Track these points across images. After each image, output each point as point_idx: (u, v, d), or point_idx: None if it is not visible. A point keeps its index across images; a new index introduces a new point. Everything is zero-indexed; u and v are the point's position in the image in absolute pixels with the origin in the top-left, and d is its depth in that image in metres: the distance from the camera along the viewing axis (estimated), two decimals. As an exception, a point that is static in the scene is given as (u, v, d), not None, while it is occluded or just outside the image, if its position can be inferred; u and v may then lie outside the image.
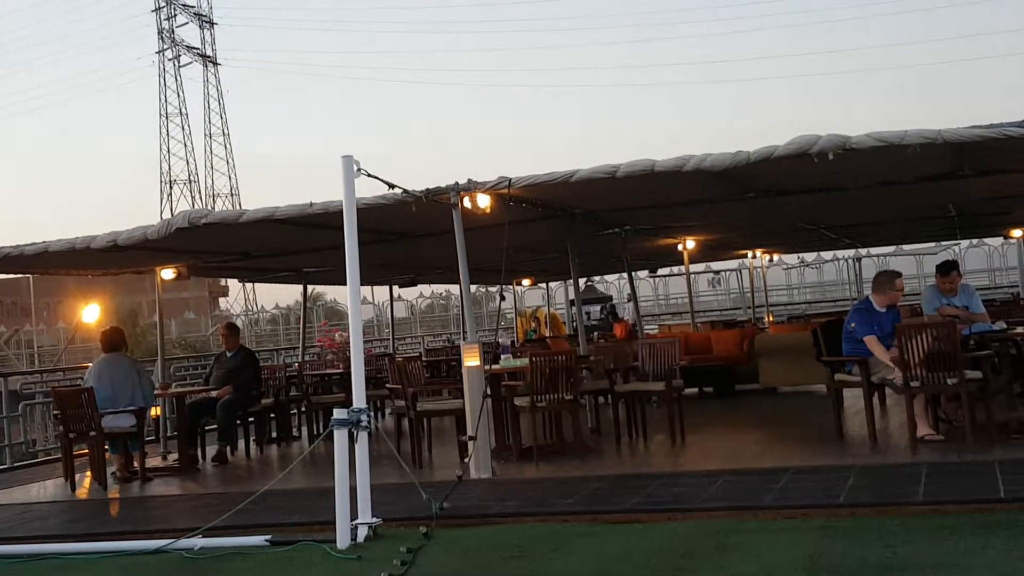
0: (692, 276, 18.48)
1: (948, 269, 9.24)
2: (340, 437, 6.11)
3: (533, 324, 23.00)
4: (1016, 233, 18.23)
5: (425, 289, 36.91)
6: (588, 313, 26.70)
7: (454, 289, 33.27)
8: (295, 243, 10.48)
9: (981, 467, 6.53)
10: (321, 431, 11.20)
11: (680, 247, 14.95)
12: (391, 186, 7.47)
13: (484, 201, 8.02)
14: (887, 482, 6.51)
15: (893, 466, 7.02)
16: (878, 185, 9.51)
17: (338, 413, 6.15)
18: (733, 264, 27.25)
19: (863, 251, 24.11)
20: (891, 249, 25.39)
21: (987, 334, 8.36)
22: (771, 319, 19.39)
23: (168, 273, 11.36)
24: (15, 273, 15.31)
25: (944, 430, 8.06)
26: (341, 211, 6.52)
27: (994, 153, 7.59)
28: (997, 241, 27.37)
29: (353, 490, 6.11)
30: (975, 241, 25.90)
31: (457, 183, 7.96)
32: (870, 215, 13.74)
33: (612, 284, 30.49)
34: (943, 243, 25.06)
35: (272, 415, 11.92)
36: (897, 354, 7.70)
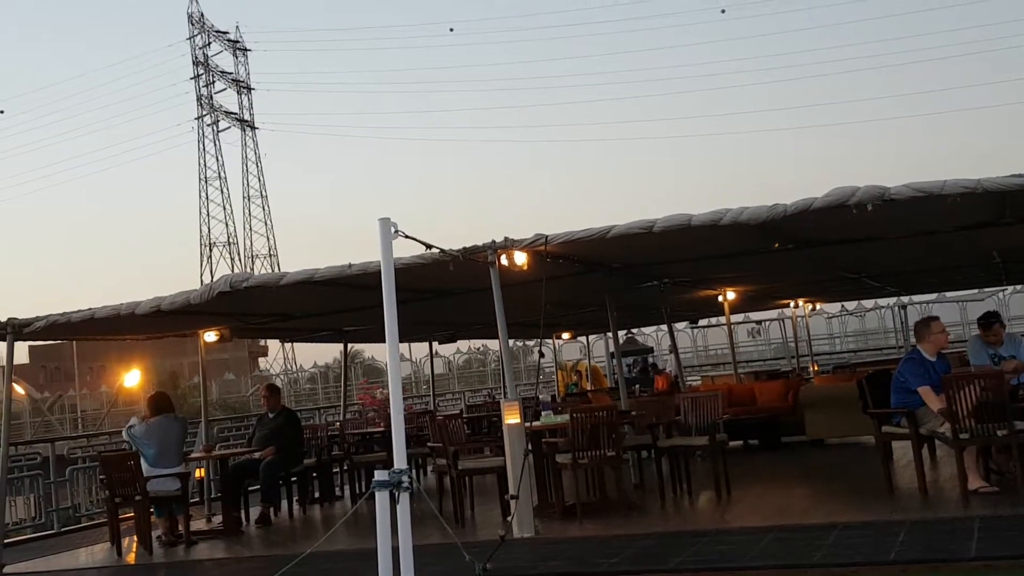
0: (733, 327, 18.31)
1: (989, 323, 9.09)
2: (382, 498, 6.09)
3: (575, 377, 22.92)
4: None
5: (463, 344, 36.92)
6: (628, 366, 26.59)
7: (491, 344, 33.24)
8: (334, 303, 10.55)
9: (1035, 520, 6.38)
10: (364, 490, 11.18)
11: (720, 298, 14.86)
12: (428, 246, 7.51)
13: (521, 258, 8.04)
14: (938, 537, 6.36)
15: (944, 520, 6.86)
16: (919, 234, 9.42)
17: (379, 475, 6.13)
18: (773, 314, 27.04)
19: (905, 299, 23.83)
20: (933, 296, 25.08)
21: (1036, 384, 8.20)
22: (816, 369, 19.16)
23: (211, 336, 11.47)
24: (61, 340, 15.54)
25: (996, 482, 7.88)
26: (379, 272, 6.58)
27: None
28: (1043, 287, 26.95)
29: (396, 551, 6.07)
30: (1019, 287, 25.48)
31: (494, 241, 8.00)
32: (912, 263, 13.59)
33: (651, 336, 30.32)
34: (986, 289, 24.71)
35: (315, 475, 11.93)
36: (945, 405, 7.57)
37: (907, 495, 8.06)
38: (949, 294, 25.16)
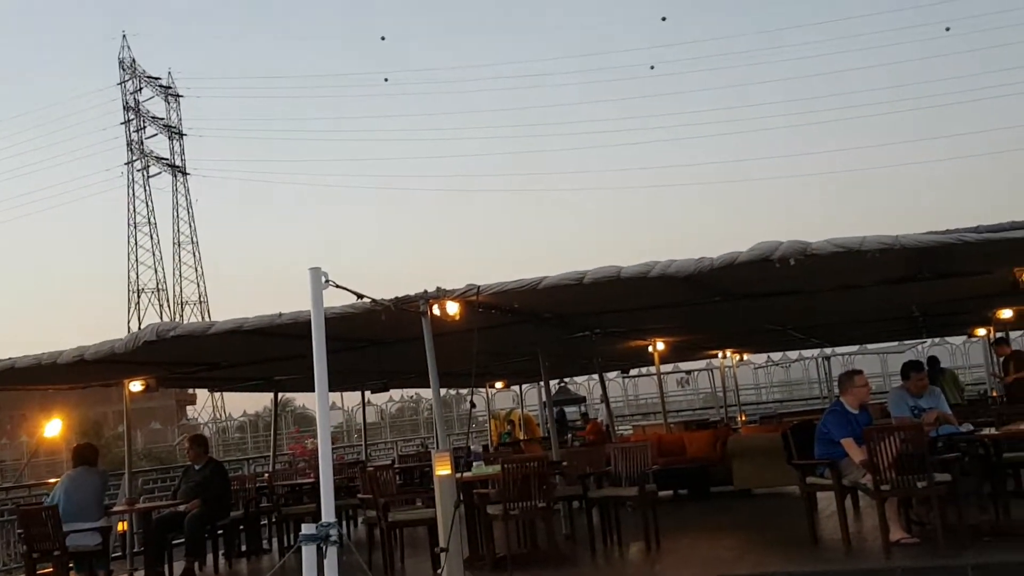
0: (663, 376, 18.52)
1: (920, 367, 9.31)
2: (308, 552, 6.01)
3: (507, 427, 22.88)
4: (980, 332, 18.51)
5: (395, 393, 36.66)
6: (563, 412, 26.63)
7: (424, 392, 33.12)
8: (265, 352, 10.45)
9: (954, 572, 6.53)
10: (293, 542, 10.99)
11: (650, 348, 15.03)
12: (360, 296, 7.50)
13: (453, 308, 8.07)
14: (862, 588, 6.48)
15: (867, 571, 7.00)
16: (841, 288, 9.68)
17: (306, 528, 6.06)
18: (702, 364, 27.40)
19: (829, 350, 24.37)
20: (855, 348, 25.67)
21: (954, 436, 8.41)
22: (744, 419, 19.42)
23: (136, 386, 11.26)
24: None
25: (917, 532, 8.04)
26: (310, 321, 6.55)
27: (951, 258, 7.78)
28: (960, 339, 27.71)
29: (323, 607, 5.98)
30: (937, 340, 26.22)
31: (426, 291, 8.03)
32: (835, 316, 13.92)
33: (583, 385, 30.46)
34: (907, 342, 25.37)
35: (242, 528, 11.71)
36: (867, 457, 7.73)
37: (831, 546, 8.19)
38: (870, 346, 25.79)
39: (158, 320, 57.46)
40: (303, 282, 6.63)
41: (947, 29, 71.47)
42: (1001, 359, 16.09)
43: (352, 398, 32.46)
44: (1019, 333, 17.34)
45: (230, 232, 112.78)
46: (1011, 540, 7.59)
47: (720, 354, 19.36)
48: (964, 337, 26.04)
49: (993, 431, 8.40)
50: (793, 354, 31.10)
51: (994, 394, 17.95)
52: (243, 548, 11.70)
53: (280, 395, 15.74)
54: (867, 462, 7.69)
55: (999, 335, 16.38)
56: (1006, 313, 13.94)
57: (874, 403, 12.15)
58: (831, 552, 7.97)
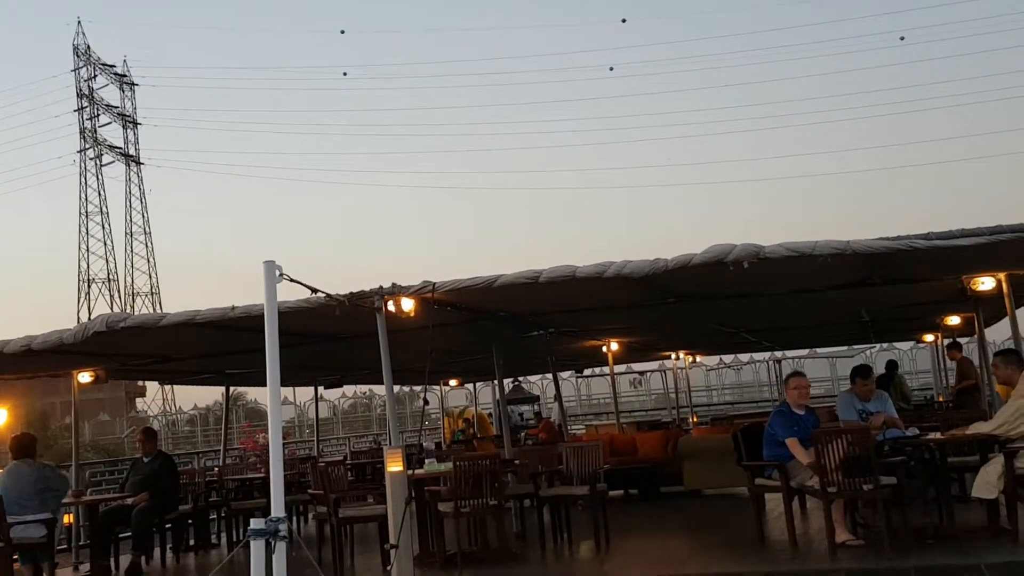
0: (616, 377, 18.63)
1: (867, 373, 9.47)
2: (257, 547, 5.97)
3: (461, 424, 22.87)
4: (928, 338, 18.82)
5: (348, 389, 36.52)
6: (521, 414, 26.68)
7: (377, 389, 33.02)
8: (217, 346, 10.35)
9: (898, 574, 6.65)
10: (242, 537, 10.90)
11: (604, 349, 15.11)
12: (314, 291, 7.46)
13: (408, 305, 8.06)
14: (807, 589, 6.57)
15: (813, 572, 7.10)
16: (793, 292, 9.79)
17: (255, 523, 6.01)
18: (655, 365, 27.57)
19: (779, 353, 24.67)
20: (806, 352, 26.00)
21: (900, 440, 8.55)
22: (695, 420, 19.57)
23: (85, 377, 11.11)
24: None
25: (862, 535, 8.17)
26: (263, 315, 6.50)
27: (902, 263, 7.90)
28: (908, 345, 28.17)
29: (271, 602, 5.95)
30: (885, 345, 26.64)
31: (381, 287, 8.00)
32: (787, 319, 14.09)
33: (536, 384, 30.54)
34: (855, 346, 25.73)
35: (190, 522, 11.60)
36: (814, 459, 7.83)
37: (778, 547, 8.29)
38: (820, 350, 26.12)
39: (109, 311, 56.70)
40: (257, 275, 6.58)
41: (901, 39, 72.51)
42: (953, 363, 16.42)
43: (305, 393, 32.30)
44: (966, 340, 17.63)
45: (184, 223, 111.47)
46: (954, 544, 7.72)
47: (673, 355, 19.50)
48: (912, 343, 26.51)
49: (938, 436, 8.55)
50: (745, 357, 31.47)
51: (940, 399, 18.27)
52: (191, 542, 11.59)
53: (232, 389, 15.61)
54: (814, 464, 7.79)
55: (951, 340, 16.66)
56: (953, 320, 14.19)
57: (822, 406, 12.33)
58: (778, 553, 8.07)
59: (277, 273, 6.58)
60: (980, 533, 7.96)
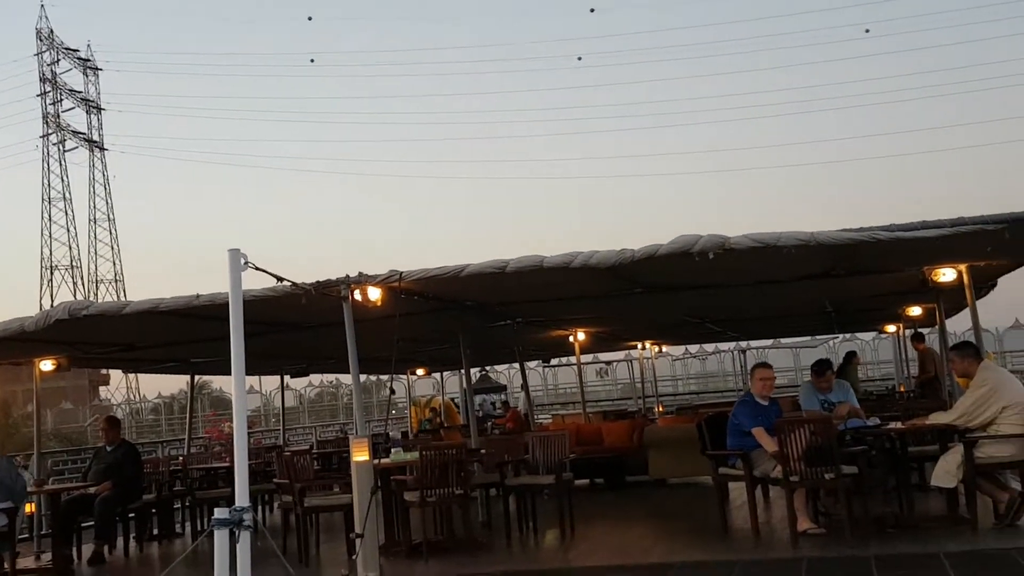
0: (583, 366, 18.69)
1: (822, 370, 9.61)
2: (221, 537, 5.94)
3: (428, 413, 22.86)
4: (890, 328, 19.04)
5: (315, 378, 36.32)
6: (493, 403, 26.70)
7: (344, 378, 32.87)
8: (181, 334, 10.27)
9: (859, 562, 6.72)
10: (207, 527, 10.85)
11: (571, 338, 15.15)
12: (279, 279, 7.42)
13: (375, 294, 8.04)
14: (769, 577, 6.64)
15: (775, 561, 7.17)
16: (758, 283, 9.87)
17: (219, 512, 5.98)
18: (621, 355, 27.69)
19: (744, 344, 24.86)
20: (770, 342, 26.21)
21: (862, 429, 8.66)
22: (661, 410, 19.68)
23: (47, 365, 11.00)
24: None
25: (824, 524, 8.27)
26: (228, 304, 6.46)
27: (865, 255, 7.98)
28: (869, 335, 28.48)
29: (235, 592, 5.93)
30: (848, 335, 26.91)
31: (348, 276, 7.98)
32: (752, 310, 14.19)
33: (503, 373, 30.58)
34: (819, 337, 25.97)
35: (154, 511, 11.53)
36: (777, 448, 7.91)
37: (741, 535, 8.37)
38: (784, 340, 26.32)
39: (71, 298, 56.04)
40: (223, 263, 6.53)
41: (867, 31, 73.06)
42: (916, 354, 16.65)
43: (271, 382, 32.09)
44: (928, 330, 17.84)
45: (148, 210, 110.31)
46: (914, 532, 7.84)
47: (639, 345, 19.59)
48: (874, 333, 26.80)
49: (899, 425, 8.67)
50: (710, 347, 31.61)
51: (902, 389, 18.49)
52: (155, 532, 11.52)
53: (197, 378, 15.50)
54: (778, 453, 7.87)
55: (915, 331, 16.86)
56: (915, 311, 14.35)
57: (785, 396, 12.45)
58: (740, 541, 8.15)
59: (242, 261, 6.53)
60: (939, 522, 8.09)
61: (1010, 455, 7.71)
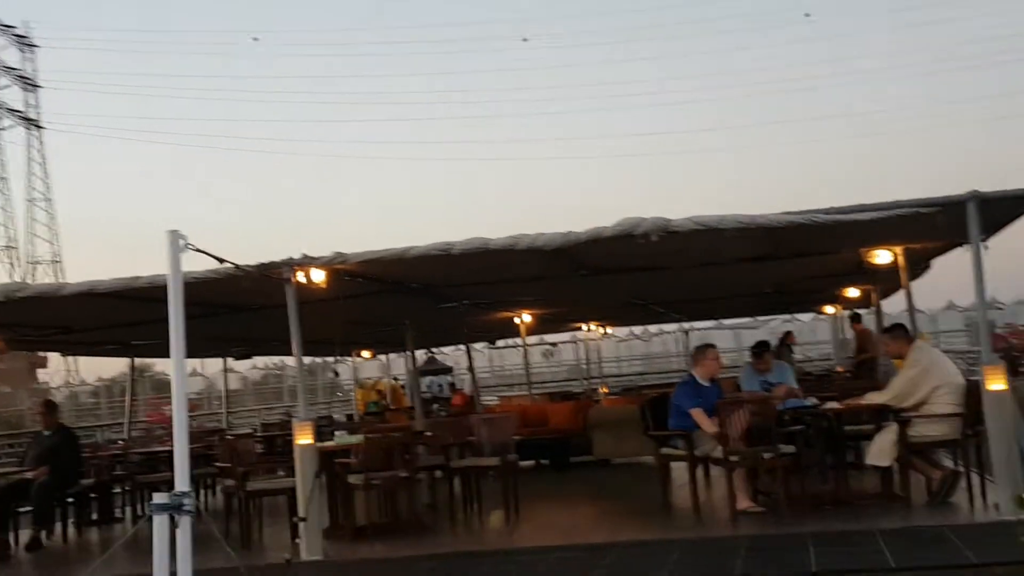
0: (528, 348, 18.76)
1: (760, 351, 9.77)
2: (160, 522, 5.89)
3: (375, 396, 22.80)
4: (829, 309, 19.35)
5: (259, 360, 35.97)
6: (440, 385, 26.66)
7: (289, 360, 32.53)
8: (121, 316, 10.12)
9: (796, 540, 6.84)
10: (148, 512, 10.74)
11: (517, 320, 15.18)
12: (221, 261, 7.34)
13: (318, 276, 7.99)
14: (708, 557, 6.75)
15: (715, 540, 7.28)
16: (700, 265, 9.97)
17: (158, 497, 5.92)
18: (567, 336, 27.80)
19: (687, 325, 25.14)
20: (712, 324, 26.51)
21: (800, 409, 8.81)
22: (605, 391, 19.83)
23: (-19, 347, 10.77)
24: None
25: (763, 502, 8.41)
26: (167, 286, 6.37)
27: (804, 237, 8.10)
28: (809, 316, 28.92)
29: (175, 577, 5.88)
30: (787, 317, 27.31)
31: (291, 258, 7.92)
32: (695, 292, 14.33)
33: (449, 356, 30.55)
34: (760, 318, 26.32)
35: (93, 496, 11.38)
36: (718, 429, 8.03)
37: (682, 515, 8.49)
38: (726, 322, 26.64)
39: (9, 280, 54.89)
40: (163, 246, 6.44)
41: (807, 15, 73.67)
42: (853, 335, 16.93)
43: (214, 365, 31.75)
44: (865, 311, 18.14)
45: (88, 190, 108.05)
46: (849, 510, 8.00)
47: (584, 327, 19.70)
48: (813, 314, 27.23)
49: (836, 405, 8.83)
50: (654, 328, 31.86)
51: (840, 369, 18.80)
52: (94, 517, 11.37)
53: (138, 361, 15.29)
54: (719, 434, 7.99)
55: (853, 312, 17.13)
56: (852, 292, 14.61)
57: (726, 377, 12.61)
58: (681, 520, 8.28)
59: (182, 243, 6.45)
60: (874, 499, 8.27)
61: (942, 434, 7.91)
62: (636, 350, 34.97)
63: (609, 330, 22.52)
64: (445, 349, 27.78)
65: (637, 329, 31.77)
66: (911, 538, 6.78)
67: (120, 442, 13.45)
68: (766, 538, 7.15)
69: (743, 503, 8.08)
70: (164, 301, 6.01)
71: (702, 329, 27.05)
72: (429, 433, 10.27)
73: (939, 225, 7.39)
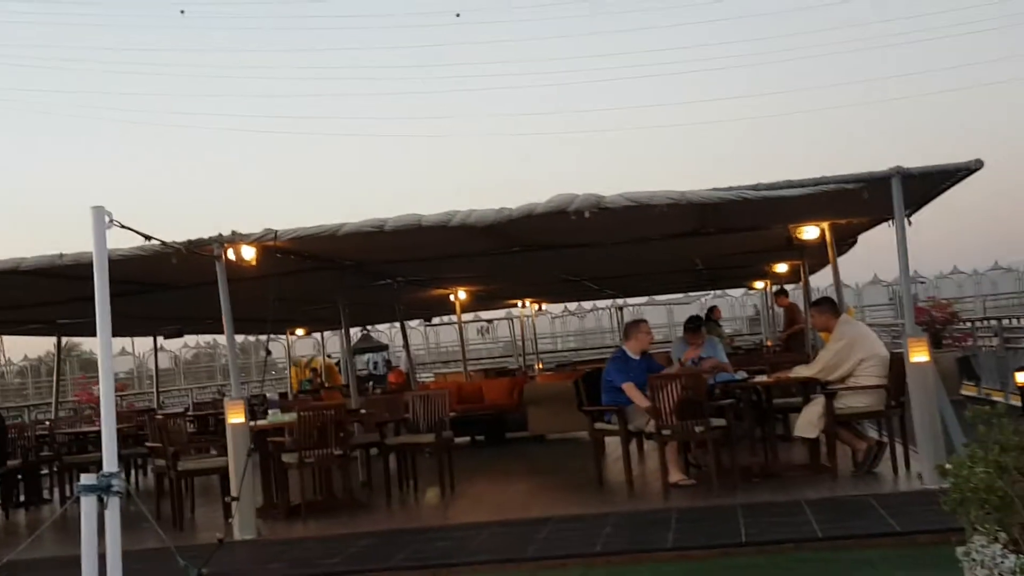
0: (464, 325, 18.77)
1: (697, 326, 9.91)
2: (88, 503, 5.79)
3: (308, 374, 22.64)
4: (758, 285, 19.68)
5: (191, 339, 35.45)
6: (376, 363, 26.54)
7: (221, 339, 32.17)
8: (46, 295, 9.91)
9: (725, 511, 6.97)
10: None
11: (452, 297, 15.18)
12: (148, 238, 7.21)
13: (249, 253, 7.90)
14: (641, 529, 6.85)
15: (647, 512, 7.38)
16: (633, 241, 10.06)
17: (85, 478, 5.82)
18: (502, 313, 27.90)
19: (620, 301, 25.37)
20: (645, 300, 26.81)
21: (730, 383, 8.96)
22: (540, 367, 19.93)
23: (-101, 327, 10.46)
24: None
25: (694, 475, 8.55)
26: (92, 263, 6.25)
27: (733, 213, 8.21)
28: (739, 292, 29.37)
29: (103, 558, 5.80)
30: (719, 292, 27.73)
31: (221, 235, 7.81)
32: (627, 268, 14.46)
33: (384, 333, 30.44)
34: (691, 294, 26.69)
35: (20, 477, 11.16)
36: (650, 403, 8.13)
37: (616, 489, 8.59)
38: (659, 298, 26.96)
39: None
40: (88, 222, 6.30)
41: None
42: (781, 309, 17.23)
43: (144, 343, 31.25)
44: (793, 286, 18.50)
45: (9, 167, 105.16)
46: (778, 481, 8.18)
47: (519, 304, 19.77)
48: (743, 290, 27.67)
49: (765, 379, 9.00)
50: (588, 304, 32.12)
51: (769, 343, 19.15)
52: (22, 499, 11.15)
53: (65, 339, 14.98)
54: (651, 408, 8.08)
55: (780, 287, 17.45)
56: (781, 267, 14.87)
57: (659, 351, 12.77)
58: (615, 495, 8.37)
59: (107, 219, 6.32)
60: (802, 470, 8.47)
61: (867, 405, 8.11)
62: (571, 326, 35.20)
63: (544, 306, 22.65)
64: (380, 327, 27.70)
65: (571, 306, 31.98)
66: (837, 508, 6.95)
67: (47, 422, 13.17)
68: (697, 510, 7.28)
69: (675, 476, 8.20)
70: (90, 279, 5.88)
71: (635, 305, 27.35)
72: (364, 411, 10.25)
73: (865, 201, 7.54)
